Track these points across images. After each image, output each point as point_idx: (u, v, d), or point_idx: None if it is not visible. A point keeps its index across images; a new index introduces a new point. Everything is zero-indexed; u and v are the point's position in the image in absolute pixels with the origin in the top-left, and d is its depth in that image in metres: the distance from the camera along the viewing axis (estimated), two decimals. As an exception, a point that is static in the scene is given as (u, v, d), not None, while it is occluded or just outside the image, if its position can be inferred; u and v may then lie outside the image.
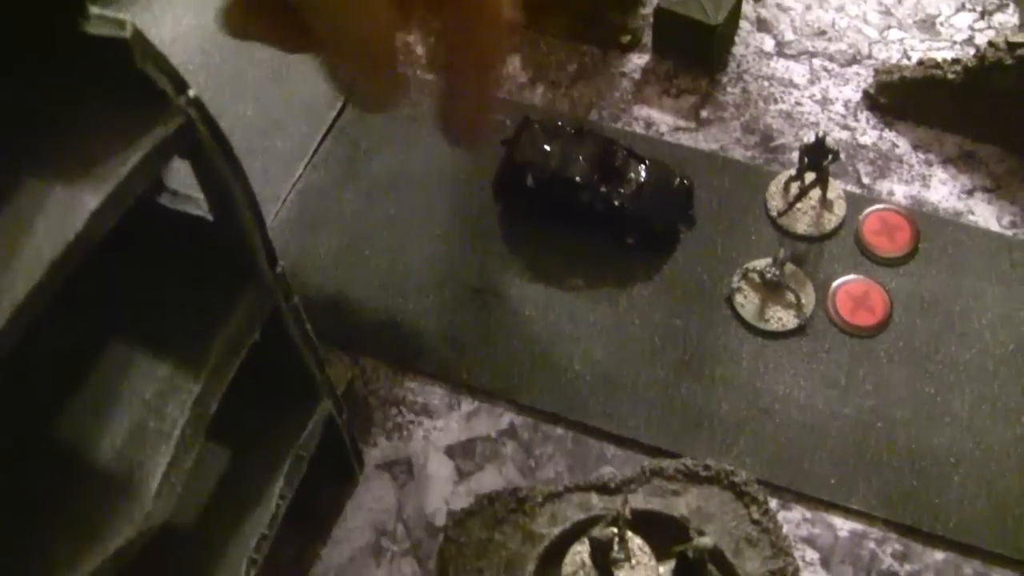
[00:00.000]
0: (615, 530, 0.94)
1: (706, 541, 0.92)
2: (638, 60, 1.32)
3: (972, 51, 1.29)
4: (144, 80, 0.64)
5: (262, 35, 0.93)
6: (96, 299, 0.78)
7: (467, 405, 1.09)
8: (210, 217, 0.75)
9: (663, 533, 0.99)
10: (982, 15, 1.36)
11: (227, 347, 0.77)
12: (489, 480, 1.05)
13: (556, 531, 0.99)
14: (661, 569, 0.97)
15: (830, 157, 1.15)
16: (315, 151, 1.24)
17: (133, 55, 0.61)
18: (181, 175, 0.73)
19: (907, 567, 1.01)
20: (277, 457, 0.90)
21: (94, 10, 0.62)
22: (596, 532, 0.92)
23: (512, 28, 1.01)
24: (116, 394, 0.75)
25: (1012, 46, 1.19)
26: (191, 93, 0.65)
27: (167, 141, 0.65)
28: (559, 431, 1.08)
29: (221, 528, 0.88)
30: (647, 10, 1.34)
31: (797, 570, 1.00)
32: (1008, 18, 1.35)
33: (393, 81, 0.97)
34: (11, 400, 0.75)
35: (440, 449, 1.07)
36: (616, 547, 0.94)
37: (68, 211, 0.61)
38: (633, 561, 0.97)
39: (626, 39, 1.32)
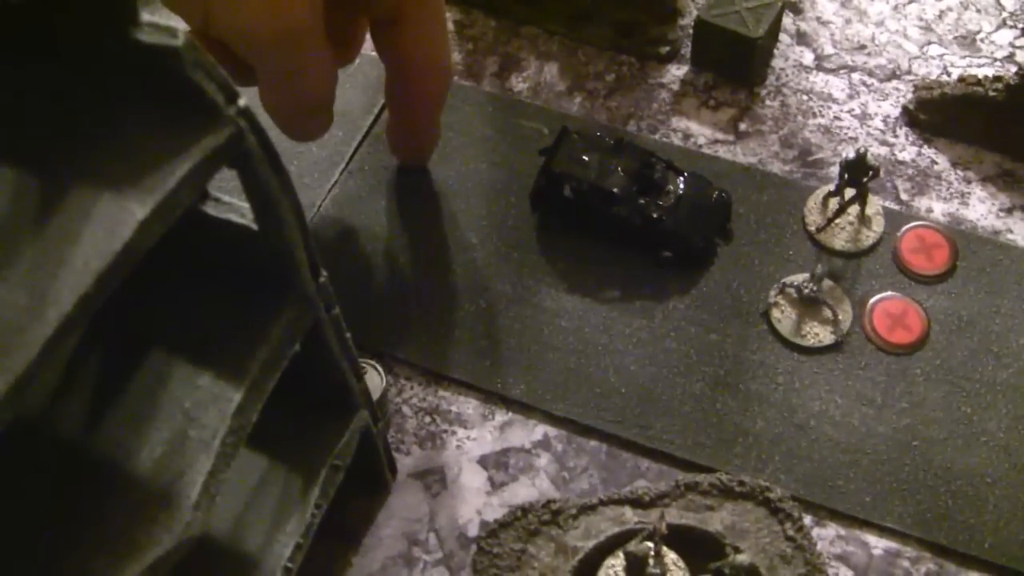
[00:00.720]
0: (651, 545, 0.93)
1: (743, 558, 0.91)
2: (676, 72, 1.32)
3: (1013, 68, 1.28)
4: (194, 89, 0.63)
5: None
6: (137, 307, 0.78)
7: (501, 416, 1.09)
8: (254, 226, 0.75)
9: (697, 548, 0.98)
10: (1023, 32, 1.35)
11: (268, 357, 0.77)
12: (522, 491, 1.05)
13: (590, 544, 0.99)
14: (694, 586, 0.97)
15: (871, 174, 1.14)
16: (350, 158, 1.24)
17: (184, 64, 0.61)
18: (223, 181, 0.73)
19: (943, 587, 1.00)
20: (313, 466, 0.90)
21: (145, 16, 0.62)
22: (632, 547, 0.92)
23: (445, 77, 1.12)
24: (156, 404, 0.75)
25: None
26: (241, 103, 0.65)
27: (217, 151, 0.65)
28: (593, 443, 1.07)
29: (256, 537, 0.88)
30: (686, 21, 1.33)
31: (831, 589, 0.99)
32: (1050, 34, 1.34)
33: (328, 120, 1.08)
34: (53, 411, 0.75)
35: (473, 459, 1.07)
36: (652, 562, 0.93)
37: (116, 221, 0.61)
38: (667, 577, 0.96)
39: (665, 50, 1.31)
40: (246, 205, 0.74)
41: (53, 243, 0.61)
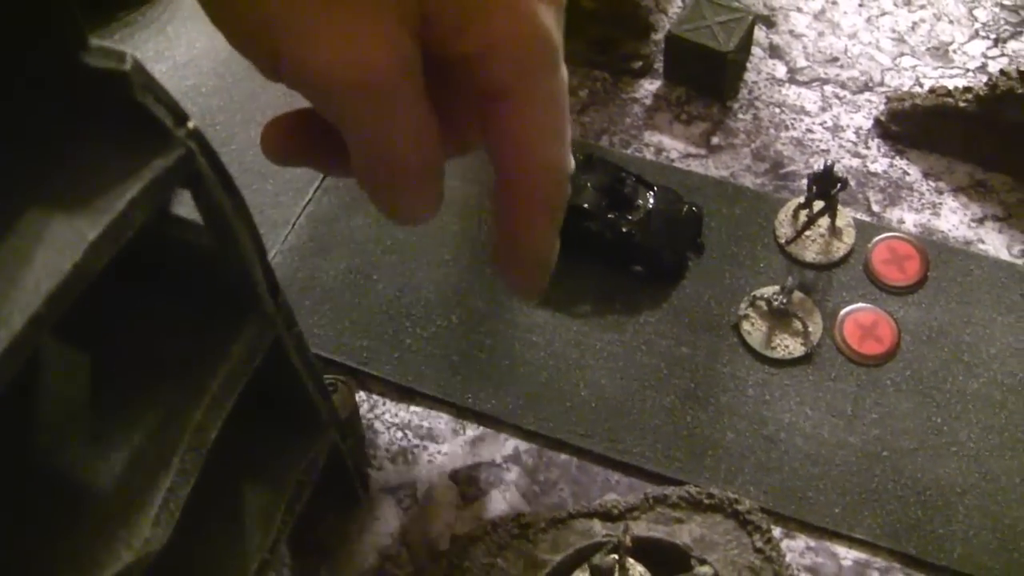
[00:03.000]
0: (616, 557, 0.94)
1: (706, 570, 0.92)
2: (650, 86, 1.33)
3: (984, 79, 1.28)
4: (143, 112, 0.64)
5: (304, 158, 0.88)
6: (96, 326, 0.78)
7: (472, 430, 1.09)
8: (212, 245, 0.75)
9: (665, 561, 0.99)
10: (996, 43, 1.36)
11: (228, 375, 0.78)
12: (493, 505, 1.05)
13: (558, 558, 0.99)
14: (662, 598, 0.97)
15: (839, 186, 1.15)
16: (324, 176, 1.25)
17: (132, 87, 0.62)
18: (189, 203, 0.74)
19: (912, 598, 1.01)
20: (279, 483, 0.91)
21: (94, 42, 0.63)
22: (597, 559, 0.92)
23: (556, 181, 0.91)
24: (115, 423, 0.76)
25: (1019, 84, 1.19)
26: (191, 125, 0.66)
27: (167, 173, 0.65)
28: (564, 457, 1.08)
29: (221, 553, 0.89)
30: (659, 36, 1.34)
31: (800, 601, 1.00)
32: (1022, 46, 1.35)
33: (432, 200, 0.90)
34: (10, 431, 0.76)
35: (445, 473, 1.07)
36: (617, 574, 0.94)
37: (67, 243, 0.62)
38: (634, 589, 0.97)
39: (638, 65, 1.32)
40: (202, 225, 0.75)
41: (3, 265, 0.62)
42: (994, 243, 1.21)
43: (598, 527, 1.03)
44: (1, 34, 0.63)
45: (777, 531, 1.03)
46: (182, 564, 0.87)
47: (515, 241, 0.98)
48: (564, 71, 0.85)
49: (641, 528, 1.01)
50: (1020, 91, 1.19)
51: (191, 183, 0.69)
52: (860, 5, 1.40)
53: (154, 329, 0.80)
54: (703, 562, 0.96)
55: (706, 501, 1.03)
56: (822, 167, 1.14)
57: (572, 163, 0.92)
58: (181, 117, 0.66)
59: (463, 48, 0.76)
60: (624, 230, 1.14)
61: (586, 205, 1.13)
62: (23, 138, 0.66)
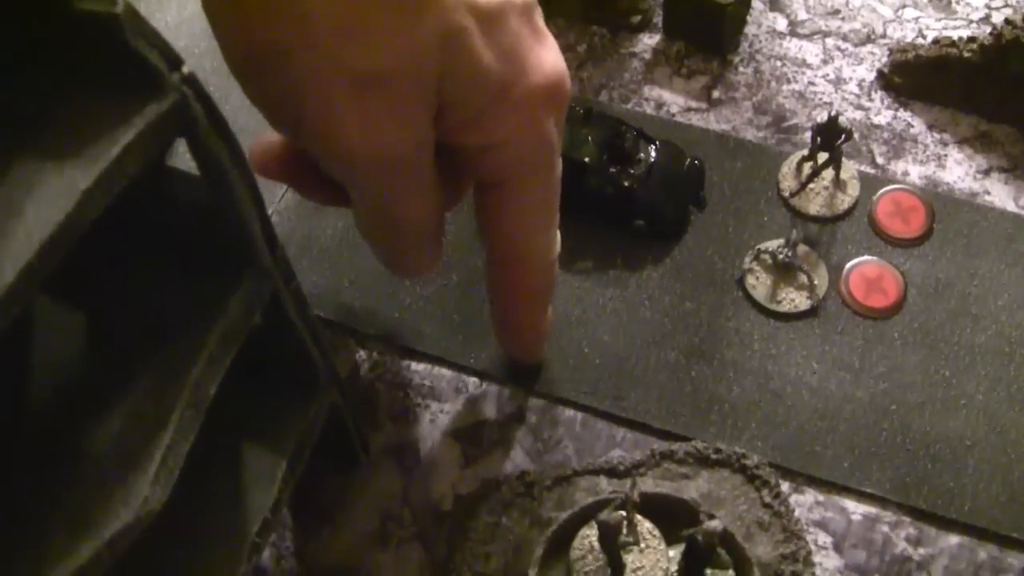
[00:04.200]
0: (623, 513, 0.92)
1: (715, 525, 0.90)
2: (648, 41, 1.31)
3: (988, 29, 1.26)
4: (136, 57, 0.62)
5: (287, 181, 0.89)
6: (89, 284, 0.77)
7: (475, 389, 1.08)
8: (208, 198, 0.74)
9: (673, 517, 0.97)
10: (999, -9, 1.34)
11: (225, 331, 0.76)
12: (497, 464, 1.04)
13: (564, 515, 0.98)
14: (671, 553, 0.96)
15: (843, 137, 1.13)
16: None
17: (124, 30, 0.60)
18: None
19: (921, 551, 1.00)
20: (280, 442, 0.89)
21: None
22: (604, 516, 0.91)
23: (544, 271, 0.94)
24: (112, 380, 0.74)
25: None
26: (185, 70, 0.64)
27: (160, 119, 0.64)
28: (568, 414, 1.06)
29: (223, 513, 0.87)
30: (658, -11, 1.32)
31: (809, 554, 0.98)
32: (1025, -6, 1.33)
33: (434, 256, 0.92)
34: (5, 389, 0.75)
35: (447, 433, 1.06)
36: (625, 531, 0.93)
37: (59, 193, 0.60)
38: (642, 545, 0.95)
39: (636, 20, 1.30)
40: (199, 176, 0.73)
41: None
42: (1000, 194, 1.19)
43: (604, 484, 1.01)
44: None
45: (785, 486, 1.02)
46: (182, 524, 0.85)
47: (505, 317, 1.00)
48: (559, 168, 0.86)
49: (647, 484, 1.00)
50: (1029, 40, 1.17)
51: (186, 130, 0.67)
52: (861, -44, 1.38)
53: (149, 285, 0.78)
54: (711, 516, 0.95)
55: (713, 456, 1.02)
56: (826, 118, 1.12)
57: (557, 250, 0.94)
58: (175, 61, 0.64)
59: (472, 139, 0.77)
60: (625, 185, 1.12)
61: (587, 160, 1.11)
62: (10, 85, 0.64)
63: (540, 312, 0.98)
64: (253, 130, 1.20)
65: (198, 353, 0.75)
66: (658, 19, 1.32)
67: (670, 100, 1.26)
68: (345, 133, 0.71)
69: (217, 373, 0.76)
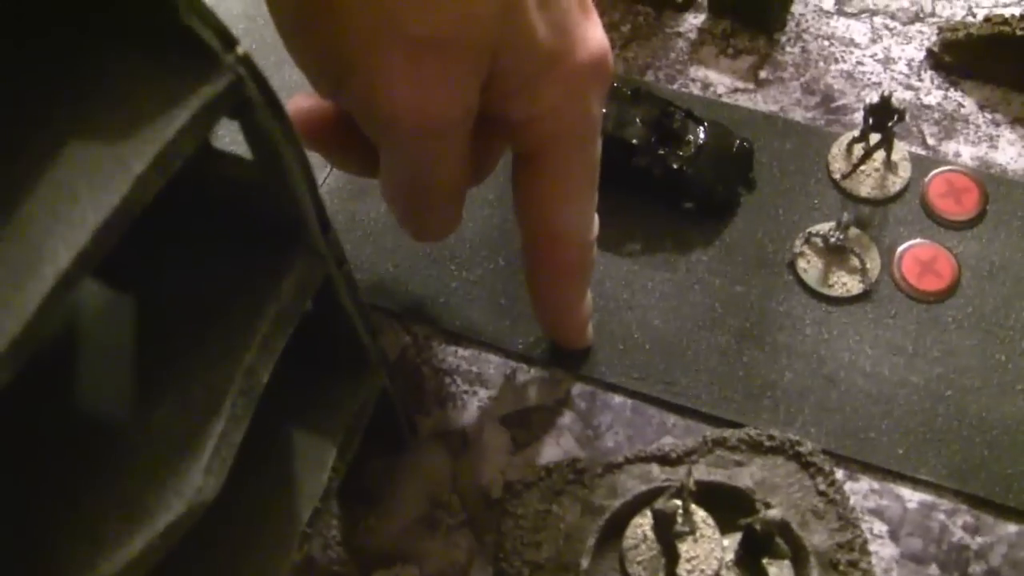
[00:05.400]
0: (679, 502, 0.91)
1: (774, 514, 0.88)
2: (694, 20, 1.29)
3: (1041, 6, 1.24)
4: (190, 37, 0.61)
5: (317, 147, 0.88)
6: (140, 267, 0.76)
7: (523, 375, 1.06)
8: (259, 179, 0.72)
9: (727, 505, 0.96)
10: (1052, -33, 1.31)
11: (278, 315, 0.74)
12: (546, 451, 1.03)
13: (617, 503, 0.96)
14: (726, 542, 0.95)
15: (896, 118, 1.11)
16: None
17: (178, 9, 0.59)
18: (227, 138, 0.71)
19: (979, 539, 0.98)
20: (329, 429, 0.88)
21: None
22: (659, 504, 0.89)
23: (578, 250, 0.93)
24: (164, 367, 0.73)
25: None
26: (240, 50, 0.62)
27: (216, 100, 0.62)
28: (618, 400, 1.05)
29: (273, 502, 0.86)
30: (702, -32, 1.30)
31: (865, 542, 0.96)
32: (1079, -29, 1.30)
33: (455, 221, 0.92)
34: (57, 376, 0.73)
35: (495, 419, 1.04)
36: (680, 520, 0.91)
37: (113, 176, 0.59)
38: (697, 534, 0.94)
39: (681, -1, 1.28)
40: (250, 157, 0.71)
41: (48, 200, 0.59)
42: (1055, 177, 1.17)
43: (656, 471, 0.99)
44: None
45: (840, 473, 1.00)
46: (232, 514, 0.84)
47: (542, 300, 0.99)
48: (598, 147, 0.85)
49: (700, 472, 0.98)
50: (1082, 17, 1.15)
51: (240, 111, 0.65)
52: (909, -68, 1.36)
53: (199, 270, 0.77)
54: (769, 505, 0.93)
55: (767, 443, 1.00)
56: (878, 98, 1.10)
57: (595, 232, 0.92)
58: (230, 41, 0.62)
59: (516, 109, 0.76)
60: (674, 166, 1.10)
61: (635, 140, 1.10)
62: (62, 65, 0.63)
63: (577, 295, 0.97)
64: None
65: (251, 338, 0.73)
66: (703, -2, 1.30)
67: (716, 80, 1.24)
68: (394, 96, 0.70)
69: (270, 359, 0.75)
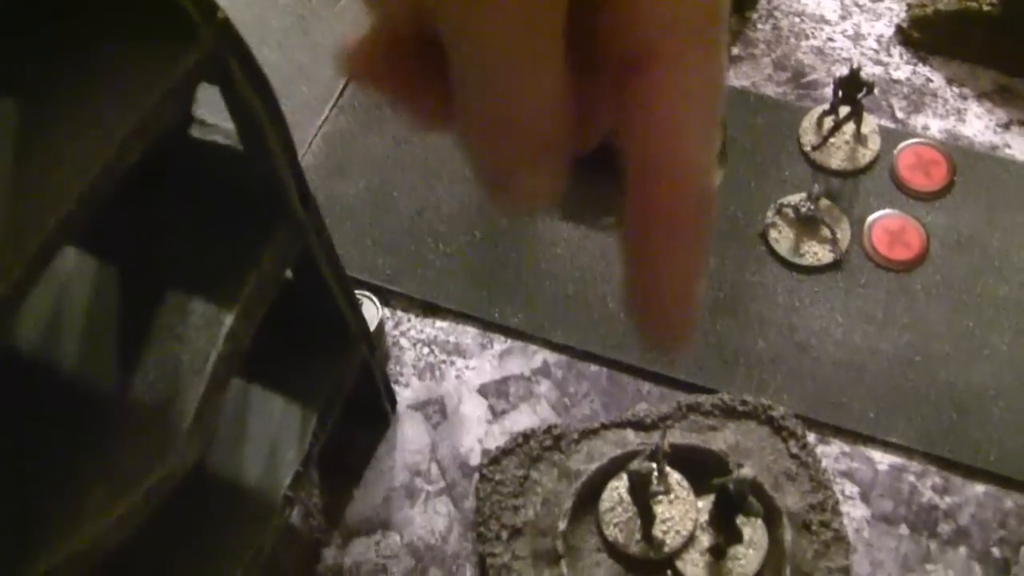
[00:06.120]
0: (654, 464, 0.93)
1: (747, 472, 0.90)
2: None
3: (1007, -18, 1.26)
4: (172, 6, 0.63)
5: (393, 90, 0.85)
6: (124, 236, 0.77)
7: (500, 344, 1.08)
8: (240, 148, 0.74)
9: (701, 468, 0.98)
10: (1017, -55, 1.33)
11: (260, 282, 0.76)
12: (523, 419, 1.05)
13: (593, 467, 0.99)
14: (700, 504, 0.97)
15: (865, 90, 1.13)
16: (339, 96, 1.23)
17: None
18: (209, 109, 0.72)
19: (947, 500, 1.00)
20: (311, 397, 0.90)
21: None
22: (635, 466, 0.91)
23: (708, 202, 0.86)
24: (147, 329, 0.74)
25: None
26: (220, 15, 0.64)
27: (196, 68, 0.64)
28: (593, 369, 1.07)
29: (256, 467, 0.88)
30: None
31: (837, 503, 0.99)
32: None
33: (557, 173, 0.86)
34: (44, 344, 0.75)
35: (473, 389, 1.06)
36: (655, 480, 0.93)
37: (97, 141, 0.61)
38: (671, 496, 0.96)
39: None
40: (232, 127, 0.73)
41: (35, 165, 0.60)
42: (1020, 148, 1.19)
43: (632, 436, 1.02)
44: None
45: (811, 437, 1.03)
46: (218, 479, 0.86)
47: (645, 272, 0.96)
48: (725, 58, 0.82)
49: (675, 436, 1.00)
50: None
51: (221, 79, 0.67)
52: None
53: (182, 238, 0.78)
54: (741, 466, 0.95)
55: (740, 408, 1.02)
56: (848, 72, 1.12)
57: (717, 181, 0.89)
58: (210, 9, 0.64)
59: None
60: (648, 140, 1.12)
61: (608, 115, 1.11)
62: (48, 37, 0.64)
63: (692, 265, 0.94)
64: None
65: (232, 304, 0.75)
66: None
67: (689, 56, 1.27)
68: None
69: (251, 325, 0.76)
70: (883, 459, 1.02)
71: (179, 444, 0.71)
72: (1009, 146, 1.19)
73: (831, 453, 1.03)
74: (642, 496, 0.93)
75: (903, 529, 1.00)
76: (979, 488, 1.01)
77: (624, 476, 0.96)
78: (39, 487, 0.69)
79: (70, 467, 0.70)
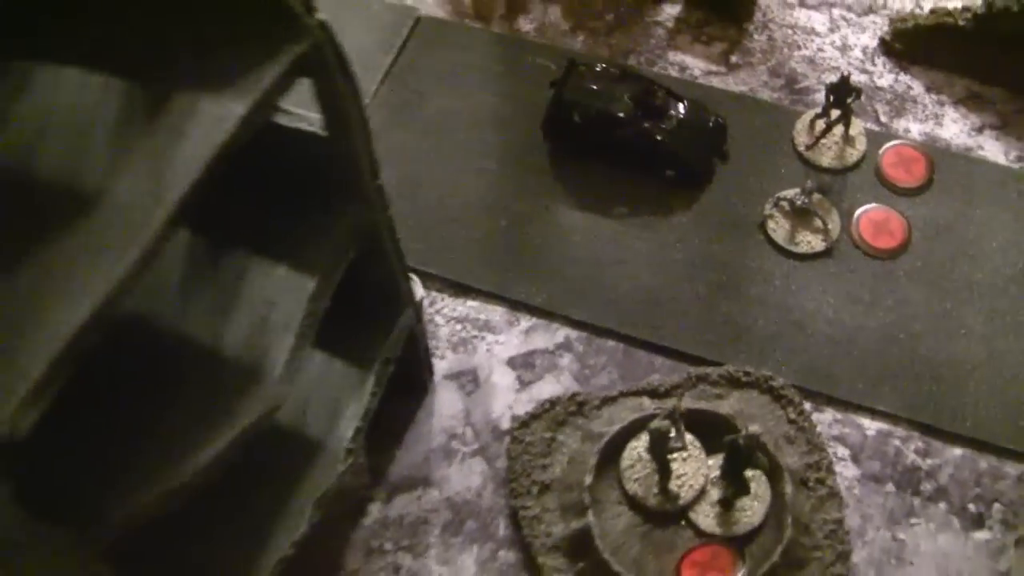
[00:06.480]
0: (670, 423, 1.04)
1: (755, 429, 1.02)
2: (671, 10, 1.42)
3: (980, -1, 1.39)
4: (278, 3, 0.73)
5: None
6: (215, 210, 0.87)
7: (525, 322, 1.19)
8: (323, 133, 0.84)
9: (711, 430, 1.09)
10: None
11: (335, 250, 0.87)
12: (548, 388, 1.15)
13: (614, 429, 1.09)
14: (710, 461, 1.08)
15: (854, 95, 1.25)
16: (372, 95, 1.33)
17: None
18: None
19: (928, 461, 1.12)
20: (368, 358, 1.00)
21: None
22: (655, 424, 1.02)
23: None
24: (240, 293, 0.85)
25: (1012, 4, 1.30)
26: (320, 15, 0.75)
27: (299, 58, 0.74)
28: (610, 344, 1.18)
29: (321, 423, 0.98)
30: (677, -37, 1.43)
31: (831, 463, 1.10)
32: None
33: None
34: (148, 303, 0.85)
35: (502, 361, 1.17)
36: (673, 436, 1.04)
37: (219, 118, 0.71)
38: (686, 453, 1.07)
39: (659, -10, 1.40)
40: (314, 115, 0.83)
41: (166, 138, 0.71)
42: (992, 149, 1.31)
43: (647, 402, 1.13)
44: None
45: (807, 405, 1.14)
46: (289, 429, 0.96)
47: None
48: None
49: (686, 403, 1.11)
50: (1015, 8, 1.29)
51: (317, 70, 0.77)
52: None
53: (267, 213, 0.89)
54: (748, 427, 1.06)
55: (743, 379, 1.14)
56: (838, 78, 1.24)
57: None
58: (311, 7, 0.74)
59: None
60: (658, 138, 1.23)
61: (622, 114, 1.22)
62: (168, 27, 0.75)
63: None
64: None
65: (313, 271, 0.86)
66: (679, -10, 1.43)
67: (692, 64, 1.38)
68: None
69: (328, 289, 0.87)
70: (871, 425, 1.14)
71: (272, 388, 0.81)
72: (982, 148, 1.31)
73: (825, 420, 1.14)
74: (660, 452, 1.05)
75: (889, 487, 1.11)
76: (957, 451, 1.13)
77: (642, 436, 1.07)
78: (147, 429, 0.79)
79: (176, 409, 0.80)
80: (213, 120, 0.72)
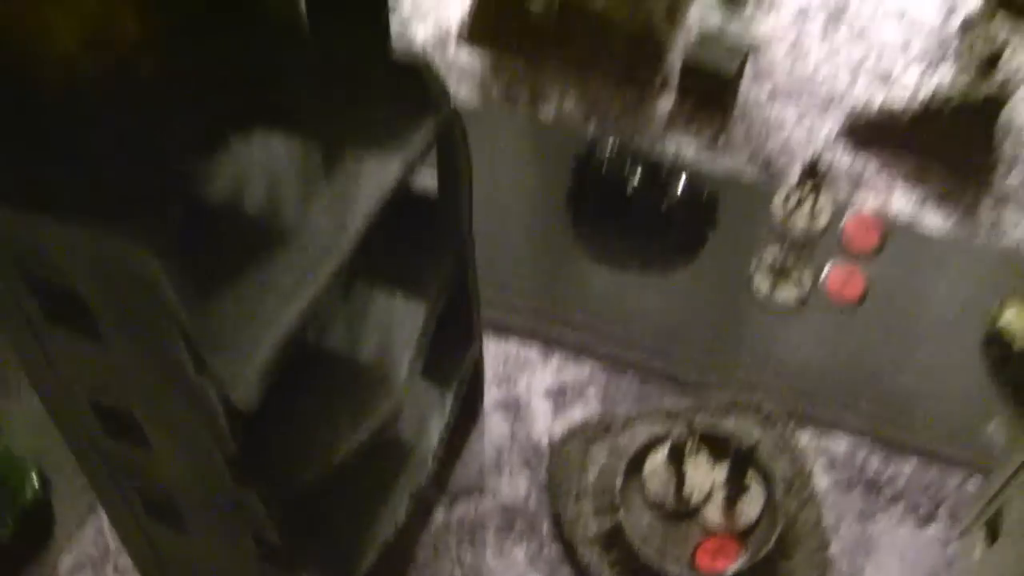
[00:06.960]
0: (686, 436, 1.29)
1: (751, 444, 1.27)
2: (666, 102, 1.69)
3: (920, 96, 1.67)
4: (427, 90, 0.97)
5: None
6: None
7: (558, 359, 1.44)
8: (435, 189, 1.09)
9: (716, 445, 1.34)
10: (928, 66, 1.74)
11: (440, 284, 1.12)
12: (579, 412, 1.40)
13: (636, 444, 1.34)
14: (716, 470, 1.33)
15: (821, 174, 1.53)
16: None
17: (424, 76, 0.96)
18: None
19: (888, 470, 1.38)
20: (447, 381, 1.25)
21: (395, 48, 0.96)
22: (675, 436, 1.28)
23: None
24: (367, 316, 1.09)
25: (947, 99, 1.58)
26: (453, 104, 0.99)
27: (438, 130, 0.99)
28: (629, 375, 1.43)
29: (411, 432, 1.22)
30: (677, 49, 1.70)
31: (811, 472, 1.36)
32: (947, 69, 1.73)
33: None
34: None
35: (539, 393, 1.42)
36: (689, 447, 1.29)
37: (383, 171, 0.95)
38: (696, 462, 1.32)
39: (658, 83, 1.67)
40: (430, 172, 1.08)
41: (345, 184, 0.94)
42: (931, 222, 1.60)
43: (663, 423, 1.38)
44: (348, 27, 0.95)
45: (792, 424, 1.39)
46: (390, 434, 1.20)
47: None
48: None
49: (695, 422, 1.36)
50: (953, 104, 1.57)
51: (446, 141, 1.01)
52: (822, 40, 1.78)
53: (385, 252, 1.11)
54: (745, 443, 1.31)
55: (740, 403, 1.39)
56: (808, 160, 1.52)
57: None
58: (446, 93, 0.98)
59: None
60: (663, 208, 1.50)
61: (634, 188, 1.49)
62: (343, 97, 0.98)
63: None
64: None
65: (424, 300, 1.11)
66: (675, 83, 1.70)
67: (686, 146, 1.65)
68: None
69: (435, 313, 1.13)
70: (842, 441, 1.40)
71: (397, 391, 1.05)
72: (925, 217, 1.59)
73: (805, 436, 1.40)
74: (678, 458, 1.30)
75: (858, 491, 1.37)
76: (911, 462, 1.39)
77: (661, 449, 1.32)
78: (305, 421, 1.03)
79: (325, 407, 1.04)
80: (379, 173, 0.94)
